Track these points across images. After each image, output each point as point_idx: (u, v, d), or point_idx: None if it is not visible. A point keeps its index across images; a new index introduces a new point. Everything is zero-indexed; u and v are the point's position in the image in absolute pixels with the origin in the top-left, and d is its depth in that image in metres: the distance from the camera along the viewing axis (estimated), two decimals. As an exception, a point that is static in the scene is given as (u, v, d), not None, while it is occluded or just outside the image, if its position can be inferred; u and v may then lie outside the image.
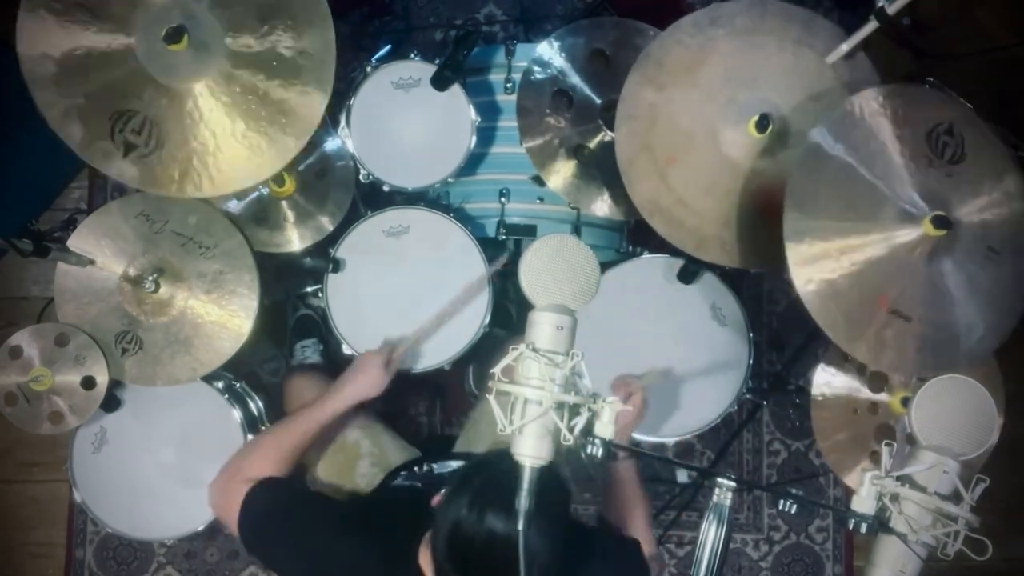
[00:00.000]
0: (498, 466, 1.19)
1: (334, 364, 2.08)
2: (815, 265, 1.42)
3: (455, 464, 1.62)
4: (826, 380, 1.79)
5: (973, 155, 1.47)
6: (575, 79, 1.80)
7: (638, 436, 1.81)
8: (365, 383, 1.58)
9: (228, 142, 1.46)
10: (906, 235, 1.41)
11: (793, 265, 1.41)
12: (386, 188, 1.80)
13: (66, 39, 1.42)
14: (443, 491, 1.20)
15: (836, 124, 1.43)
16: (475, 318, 1.78)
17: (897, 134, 1.44)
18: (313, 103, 1.46)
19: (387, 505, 1.49)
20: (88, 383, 1.69)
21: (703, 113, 1.57)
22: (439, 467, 1.62)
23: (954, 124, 1.46)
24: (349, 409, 1.57)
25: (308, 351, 2.20)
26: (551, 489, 1.14)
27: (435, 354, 1.78)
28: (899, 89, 1.45)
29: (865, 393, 1.78)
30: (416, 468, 1.63)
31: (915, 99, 1.46)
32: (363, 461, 1.69)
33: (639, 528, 1.54)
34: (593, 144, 1.80)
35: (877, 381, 1.78)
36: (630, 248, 1.96)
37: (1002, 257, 1.46)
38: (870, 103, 1.43)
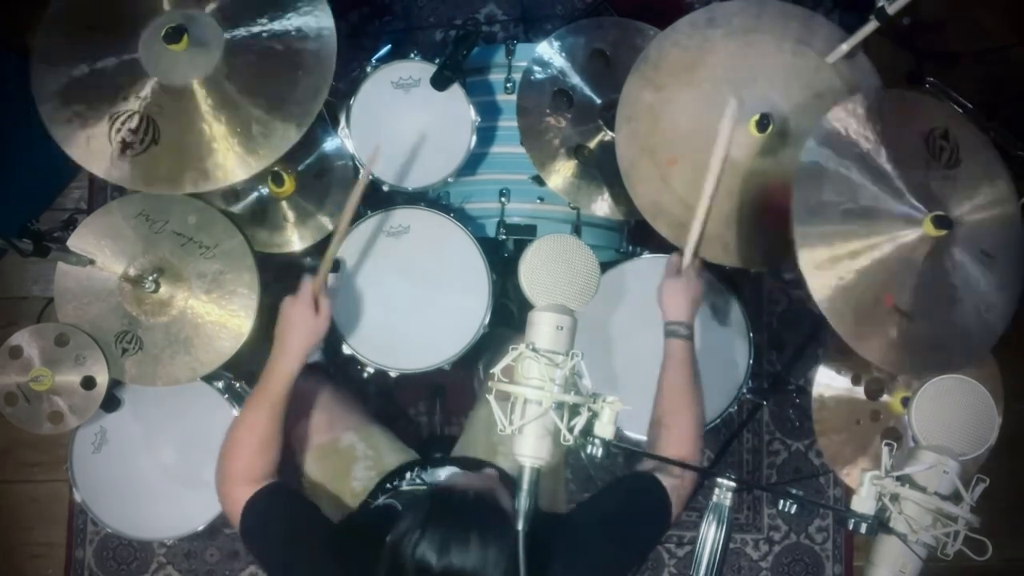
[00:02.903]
0: (449, 497, 1.19)
1: (337, 361, 2.07)
2: (826, 270, 1.42)
3: (444, 473, 1.58)
4: (825, 390, 1.78)
5: (968, 159, 1.48)
6: (575, 79, 1.80)
7: (638, 436, 1.81)
8: (303, 330, 1.48)
9: (224, 134, 1.48)
10: (908, 236, 1.41)
11: (807, 271, 1.41)
12: (386, 188, 1.80)
13: (76, 58, 1.46)
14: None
15: (824, 139, 1.42)
16: (475, 318, 1.78)
17: (892, 139, 1.44)
18: (312, 88, 1.48)
19: (368, 528, 1.44)
20: (88, 383, 1.69)
21: (703, 114, 1.57)
22: (428, 476, 1.58)
23: (949, 129, 1.46)
24: (302, 365, 1.48)
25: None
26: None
27: (435, 354, 1.78)
28: (888, 94, 1.46)
29: (865, 401, 1.77)
30: (408, 473, 1.61)
31: (907, 104, 1.47)
32: (358, 465, 1.67)
33: (676, 438, 1.38)
34: (593, 144, 1.80)
35: (874, 387, 1.77)
36: (630, 248, 1.96)
37: (995, 261, 1.48)
38: (854, 113, 1.43)
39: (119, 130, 1.46)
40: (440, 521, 1.13)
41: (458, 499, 1.18)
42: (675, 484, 1.32)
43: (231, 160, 1.49)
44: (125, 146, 1.46)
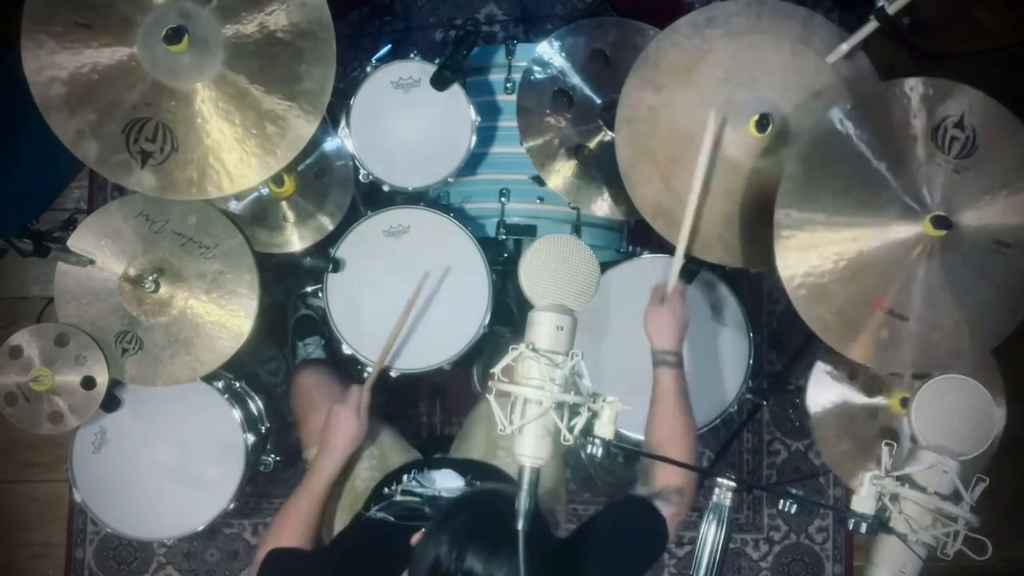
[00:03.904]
0: (484, 503, 1.17)
1: (338, 361, 2.07)
2: (804, 263, 1.41)
3: (439, 478, 1.58)
4: (820, 392, 1.79)
5: (986, 147, 1.44)
6: (575, 79, 1.80)
7: (638, 436, 1.80)
8: (346, 438, 1.59)
9: (240, 135, 1.47)
10: (904, 233, 1.41)
11: (781, 265, 1.41)
12: (386, 188, 1.80)
13: (70, 59, 1.43)
14: (424, 528, 1.15)
15: (857, 108, 1.43)
16: (475, 318, 1.78)
17: (910, 127, 1.43)
18: (319, 78, 1.47)
19: (362, 544, 1.46)
20: (88, 383, 1.69)
21: (703, 114, 1.57)
22: (424, 478, 1.58)
23: (965, 116, 1.44)
24: (343, 464, 1.59)
25: (311, 347, 2.20)
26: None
27: (435, 354, 1.78)
28: (931, 82, 1.44)
29: (860, 399, 1.77)
30: (405, 476, 1.61)
31: (935, 92, 1.44)
32: (363, 464, 1.68)
33: (669, 468, 1.38)
34: (593, 144, 1.80)
35: (871, 385, 1.77)
36: (630, 248, 1.96)
37: (1012, 250, 1.44)
38: (904, 92, 1.43)
39: (136, 139, 1.46)
40: (480, 532, 1.09)
41: (494, 505, 1.14)
42: (673, 513, 1.33)
43: (251, 161, 1.48)
44: (146, 156, 1.46)
